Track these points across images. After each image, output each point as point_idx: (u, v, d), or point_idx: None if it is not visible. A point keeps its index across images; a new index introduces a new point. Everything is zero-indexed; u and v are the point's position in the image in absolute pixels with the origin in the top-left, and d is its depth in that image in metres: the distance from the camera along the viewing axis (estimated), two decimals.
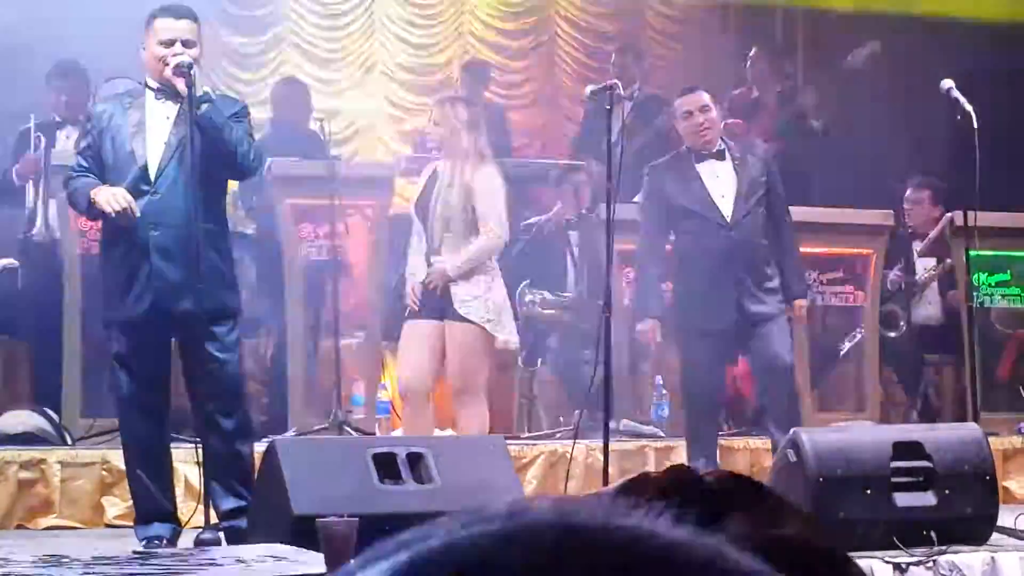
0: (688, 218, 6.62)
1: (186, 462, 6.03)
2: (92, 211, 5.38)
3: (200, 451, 5.43)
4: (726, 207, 6.56)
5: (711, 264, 6.54)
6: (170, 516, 5.52)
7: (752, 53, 10.03)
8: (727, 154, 6.64)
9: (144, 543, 5.39)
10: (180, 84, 5.30)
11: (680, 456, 7.35)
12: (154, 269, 5.30)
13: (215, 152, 5.29)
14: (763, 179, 6.63)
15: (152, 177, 5.32)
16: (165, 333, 5.48)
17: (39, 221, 7.36)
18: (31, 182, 7.40)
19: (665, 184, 6.67)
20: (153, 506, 5.47)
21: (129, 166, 5.34)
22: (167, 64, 5.28)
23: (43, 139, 7.35)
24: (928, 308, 8.73)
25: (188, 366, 5.48)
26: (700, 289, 6.57)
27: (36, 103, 7.85)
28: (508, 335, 6.64)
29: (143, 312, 5.33)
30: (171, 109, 5.39)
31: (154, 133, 5.38)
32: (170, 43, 5.30)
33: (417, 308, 6.52)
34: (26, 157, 7.44)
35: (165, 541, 5.42)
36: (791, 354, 6.70)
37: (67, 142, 7.60)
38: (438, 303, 6.48)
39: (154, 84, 5.42)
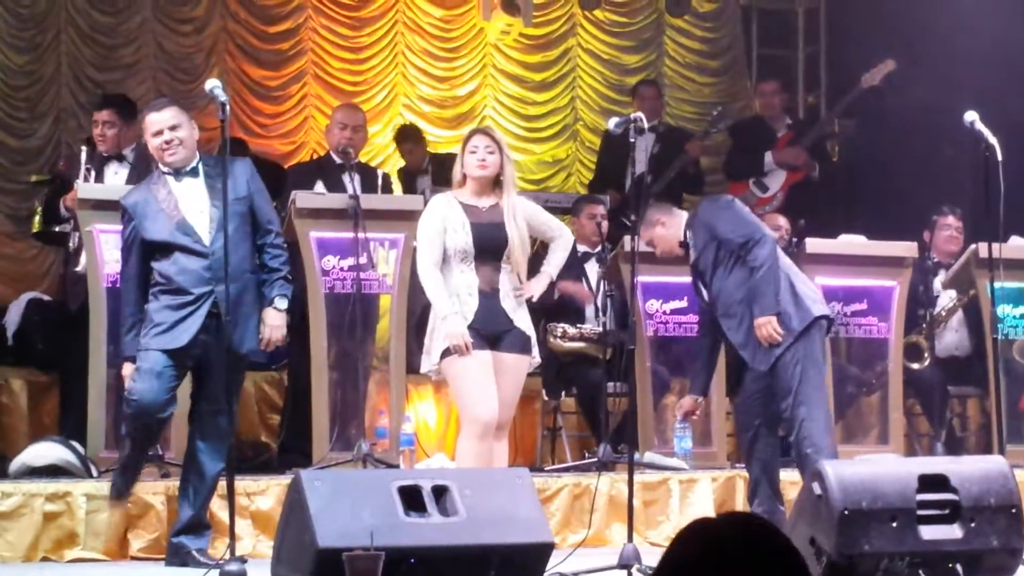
0: None
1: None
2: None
3: (227, 483, 5.61)
4: None
5: None
6: None
7: (771, 87, 10.15)
8: None
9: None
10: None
11: (704, 488, 7.33)
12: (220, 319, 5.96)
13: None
14: None
15: (207, 241, 6.01)
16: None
17: (84, 256, 7.29)
18: (77, 216, 7.31)
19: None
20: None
21: (182, 236, 6.01)
22: (163, 150, 6.09)
23: (92, 172, 7.35)
24: (954, 338, 8.69)
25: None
26: None
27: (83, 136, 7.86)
28: (536, 356, 6.54)
29: (191, 346, 6.02)
30: (190, 182, 6.10)
31: (187, 203, 6.07)
32: (159, 133, 6.09)
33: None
34: (76, 191, 7.34)
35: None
36: None
37: (115, 177, 7.61)
38: (487, 334, 6.34)
39: (164, 168, 6.14)
